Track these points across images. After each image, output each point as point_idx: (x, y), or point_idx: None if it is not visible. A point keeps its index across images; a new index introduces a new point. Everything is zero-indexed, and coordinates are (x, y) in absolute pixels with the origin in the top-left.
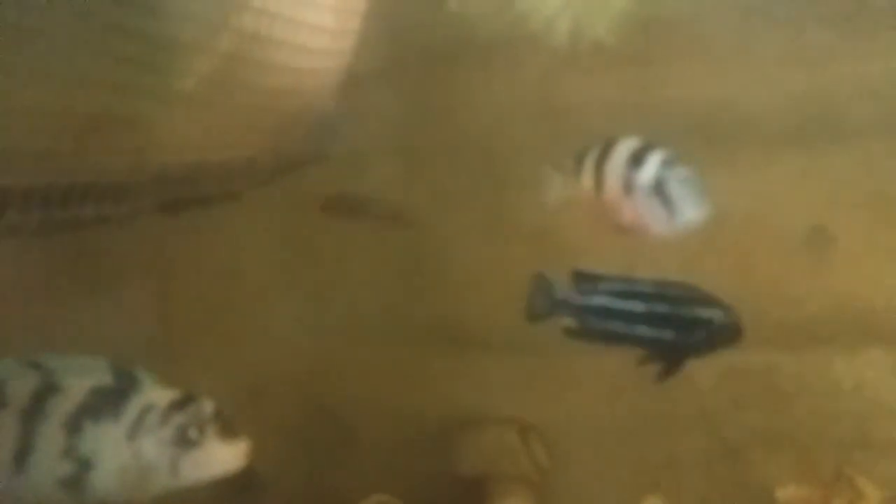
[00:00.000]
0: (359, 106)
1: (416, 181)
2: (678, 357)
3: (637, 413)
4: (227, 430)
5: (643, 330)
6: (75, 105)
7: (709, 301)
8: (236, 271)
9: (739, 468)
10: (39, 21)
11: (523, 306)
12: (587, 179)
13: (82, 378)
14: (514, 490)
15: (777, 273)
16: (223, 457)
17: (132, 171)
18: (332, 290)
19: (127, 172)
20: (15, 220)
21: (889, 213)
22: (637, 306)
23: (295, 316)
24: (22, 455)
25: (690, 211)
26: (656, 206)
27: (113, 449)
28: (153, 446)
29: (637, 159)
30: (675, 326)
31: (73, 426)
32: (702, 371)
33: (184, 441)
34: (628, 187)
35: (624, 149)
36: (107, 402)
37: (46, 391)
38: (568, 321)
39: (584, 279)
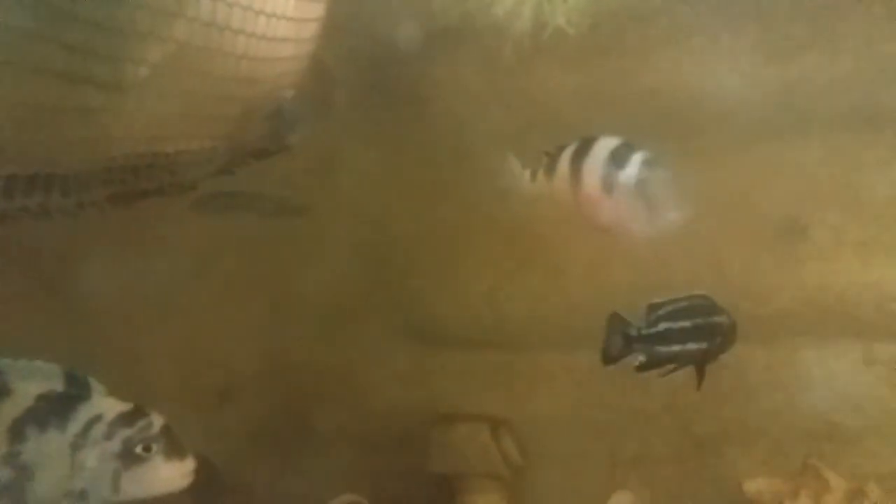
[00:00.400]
0: (326, 95)
1: (387, 172)
2: (704, 363)
3: (608, 408)
4: (175, 448)
5: (692, 345)
6: (21, 94)
7: (718, 308)
8: (198, 269)
9: (710, 462)
10: None
11: (600, 348)
12: (562, 176)
13: (33, 382)
14: (486, 487)
15: (748, 266)
16: (167, 475)
17: (81, 162)
18: (299, 288)
19: (76, 163)
20: None
21: (859, 206)
22: (686, 324)
23: (262, 315)
24: None
25: (672, 211)
26: (638, 206)
27: (56, 459)
28: (96, 459)
29: (618, 159)
30: (707, 336)
31: (18, 432)
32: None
33: (129, 456)
34: (608, 186)
35: (603, 147)
36: (54, 409)
37: None
38: (641, 357)
39: (653, 309)
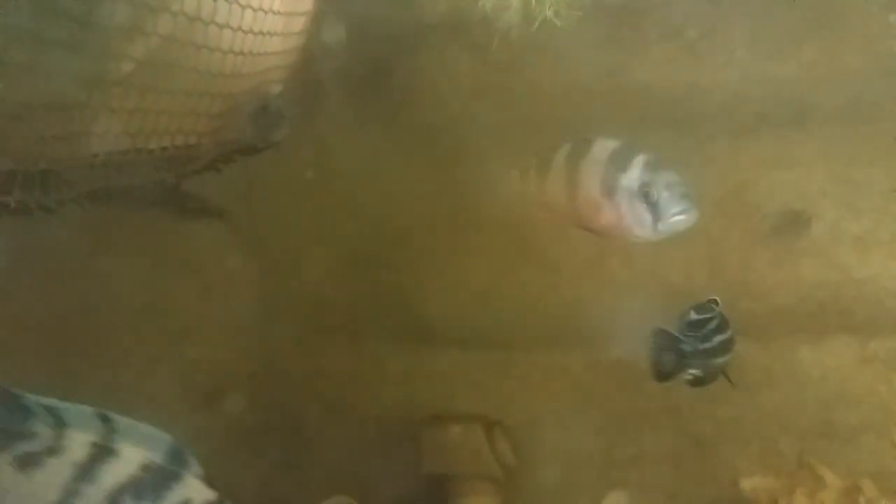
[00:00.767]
0: (315, 91)
1: (378, 169)
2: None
3: (604, 409)
4: None
5: (730, 355)
6: (2, 90)
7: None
8: (187, 265)
9: (707, 461)
10: None
11: (648, 366)
12: (557, 178)
13: (139, 448)
14: (480, 488)
15: (745, 263)
16: None
17: (63, 159)
18: (288, 288)
19: (57, 160)
20: None
21: (856, 201)
22: (729, 334)
23: (250, 315)
24: None
25: (678, 216)
26: (642, 210)
27: None
28: None
29: (619, 162)
30: (733, 343)
31: (115, 501)
32: None
33: None
34: (610, 190)
35: (602, 149)
36: (152, 483)
37: (103, 452)
38: (696, 372)
39: (701, 324)
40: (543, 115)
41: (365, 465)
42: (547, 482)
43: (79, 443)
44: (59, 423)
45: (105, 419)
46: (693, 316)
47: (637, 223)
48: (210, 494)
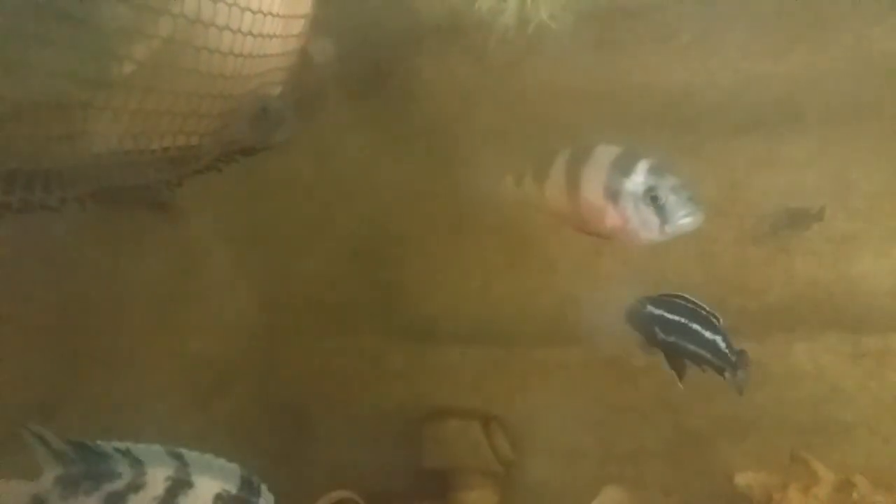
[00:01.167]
0: (314, 93)
1: (377, 169)
2: None
3: (601, 404)
4: None
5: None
6: (3, 90)
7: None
8: (187, 263)
9: (702, 456)
10: None
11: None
12: (557, 183)
13: (214, 479)
14: (478, 482)
15: (739, 261)
16: None
17: (64, 159)
18: (290, 283)
19: (59, 159)
20: None
21: (849, 200)
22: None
23: (253, 310)
24: None
25: (686, 218)
26: (648, 213)
27: None
28: None
29: (622, 167)
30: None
31: None
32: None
33: None
34: (613, 194)
35: (604, 154)
36: None
37: (180, 485)
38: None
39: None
40: (539, 116)
41: (365, 459)
42: (544, 476)
43: (157, 478)
44: (136, 462)
45: (176, 455)
46: (649, 308)
47: (643, 226)
48: None
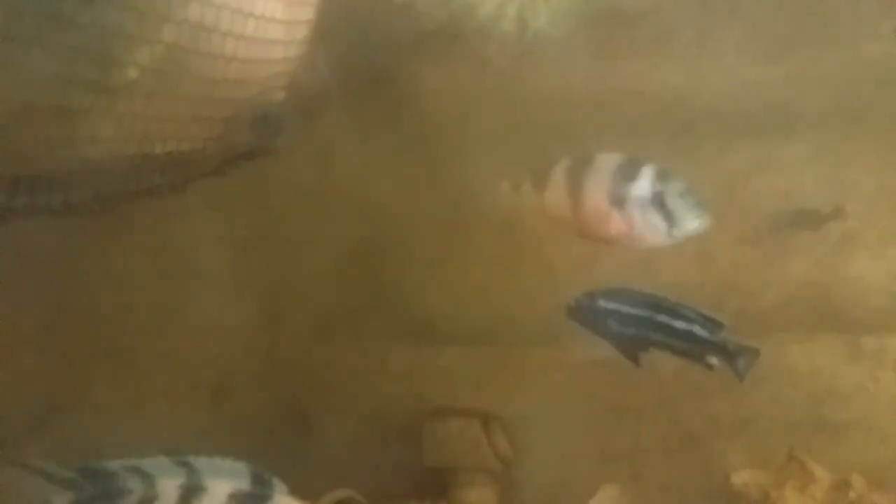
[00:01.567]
0: (317, 98)
1: (379, 171)
2: None
3: (599, 403)
4: None
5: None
6: (7, 95)
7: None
8: (192, 265)
9: (699, 455)
10: None
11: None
12: (558, 190)
13: (225, 480)
14: (477, 481)
15: (736, 262)
16: None
17: (68, 163)
18: (292, 284)
19: (62, 164)
20: None
21: (844, 202)
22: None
23: (254, 311)
24: None
25: (693, 222)
26: (655, 218)
27: None
28: None
29: (626, 173)
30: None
31: None
32: (662, 360)
33: None
34: (618, 200)
35: (607, 161)
36: None
37: (193, 490)
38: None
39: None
40: (539, 120)
41: (367, 458)
42: (543, 474)
43: (169, 488)
44: (145, 477)
45: (183, 463)
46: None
47: (650, 231)
48: None
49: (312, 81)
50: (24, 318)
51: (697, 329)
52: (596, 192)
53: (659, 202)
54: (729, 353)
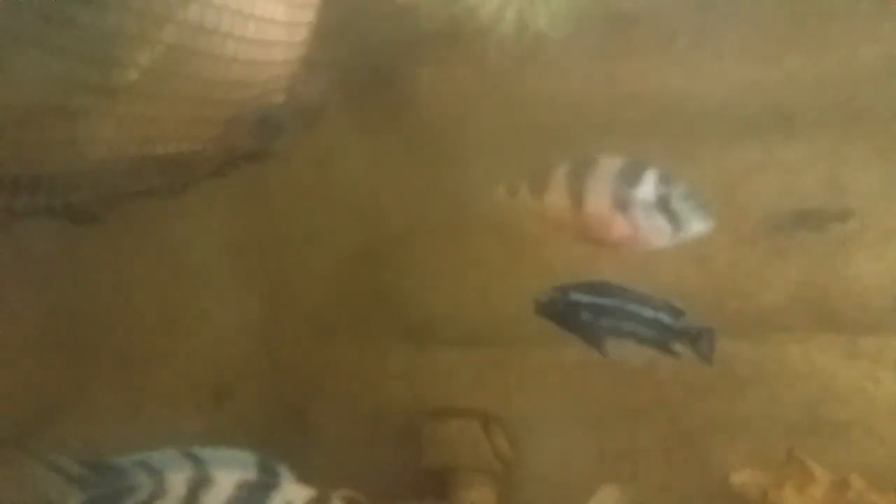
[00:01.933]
0: (318, 99)
1: (380, 173)
2: None
3: (598, 403)
4: None
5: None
6: (9, 97)
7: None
8: (193, 265)
9: (697, 455)
10: None
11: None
12: (558, 196)
13: (231, 471)
14: (477, 481)
15: (734, 263)
16: None
17: (69, 164)
18: (292, 285)
19: (63, 165)
20: None
21: (843, 203)
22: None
23: (255, 313)
24: None
25: (698, 224)
26: (660, 221)
27: None
28: None
29: (629, 177)
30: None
31: None
32: (661, 360)
33: None
34: (622, 203)
35: (609, 165)
36: (252, 497)
37: (200, 482)
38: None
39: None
40: (538, 122)
41: (367, 458)
42: (542, 475)
43: (177, 481)
44: (153, 471)
45: (191, 456)
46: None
47: (654, 234)
48: (310, 492)
49: (313, 83)
50: (24, 318)
51: (663, 316)
52: (599, 197)
53: (664, 205)
54: (692, 338)
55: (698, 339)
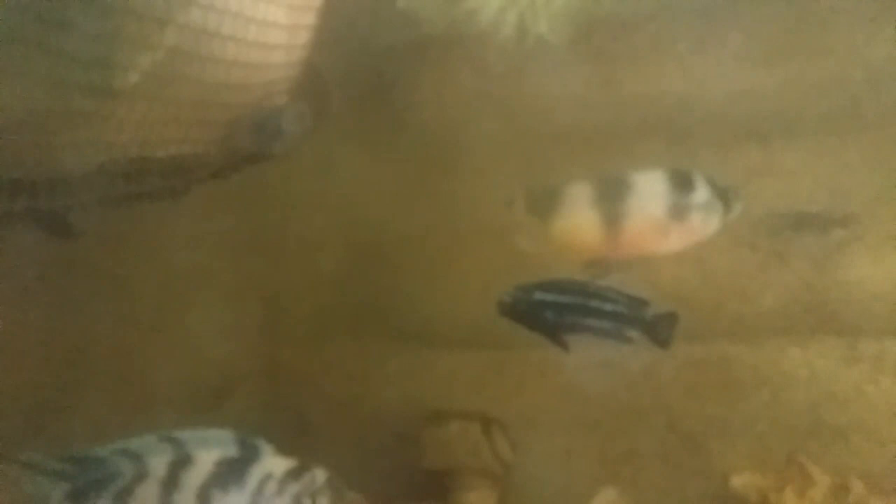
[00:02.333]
0: (319, 103)
1: (379, 176)
2: None
3: (598, 406)
4: (339, 498)
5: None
6: (11, 99)
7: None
8: (193, 268)
9: (697, 458)
10: None
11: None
12: (583, 220)
13: (211, 449)
14: (477, 483)
15: (734, 267)
16: None
17: (69, 167)
18: (292, 288)
19: (63, 168)
20: None
21: (843, 207)
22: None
23: (255, 314)
24: None
25: (739, 203)
26: (715, 214)
27: None
28: None
29: (683, 185)
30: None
31: (205, 497)
32: (661, 363)
33: None
34: (680, 213)
35: (654, 182)
36: (232, 471)
37: (180, 463)
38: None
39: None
40: (539, 126)
41: (367, 461)
42: (542, 477)
43: (158, 464)
44: (134, 457)
45: (169, 439)
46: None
47: (707, 227)
48: (289, 462)
49: (313, 86)
50: (25, 318)
51: (624, 308)
52: (651, 212)
53: (720, 196)
54: (647, 325)
55: (654, 325)
